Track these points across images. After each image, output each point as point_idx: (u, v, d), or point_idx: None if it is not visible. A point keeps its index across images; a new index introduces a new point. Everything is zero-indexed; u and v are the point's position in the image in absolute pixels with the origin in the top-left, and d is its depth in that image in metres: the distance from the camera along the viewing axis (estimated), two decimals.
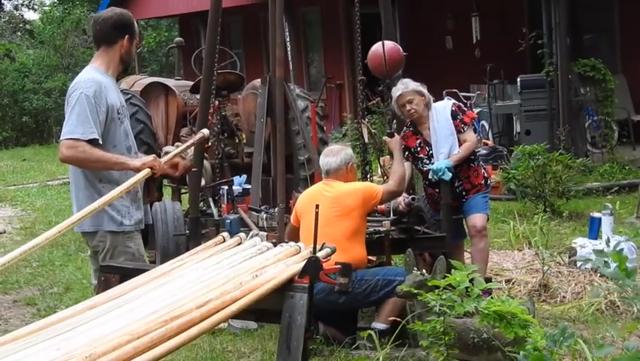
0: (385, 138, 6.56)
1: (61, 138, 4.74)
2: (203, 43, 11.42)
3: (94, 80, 4.79)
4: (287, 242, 4.73)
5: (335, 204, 5.76)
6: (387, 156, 6.98)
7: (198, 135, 5.26)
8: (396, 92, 6.66)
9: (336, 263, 4.15)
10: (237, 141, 9.83)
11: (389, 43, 6.70)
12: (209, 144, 8.48)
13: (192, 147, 5.39)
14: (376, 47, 6.70)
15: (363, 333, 5.47)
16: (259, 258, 4.25)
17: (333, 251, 4.38)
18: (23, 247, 3.97)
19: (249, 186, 8.18)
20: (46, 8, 30.81)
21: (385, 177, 7.06)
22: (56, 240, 10.27)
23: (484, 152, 11.99)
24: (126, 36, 4.89)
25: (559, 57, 12.94)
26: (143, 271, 4.21)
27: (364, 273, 5.91)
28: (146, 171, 4.69)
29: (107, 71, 4.91)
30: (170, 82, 10.59)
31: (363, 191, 5.96)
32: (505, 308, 4.02)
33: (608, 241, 6.93)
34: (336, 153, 6.06)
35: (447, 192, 6.53)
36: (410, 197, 6.51)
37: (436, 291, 4.29)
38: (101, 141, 4.72)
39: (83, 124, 4.66)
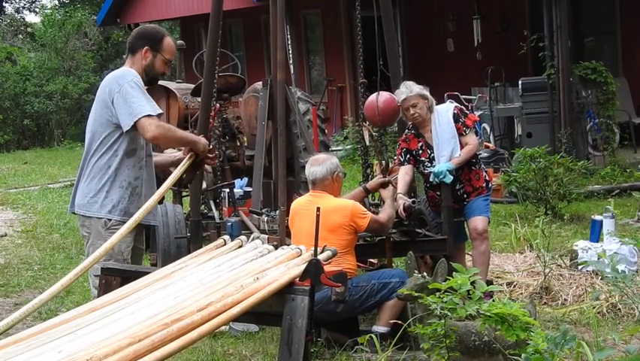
0: (380, 190, 6.48)
1: (136, 117, 4.88)
2: (205, 45, 11.43)
3: (135, 72, 5.05)
4: (288, 245, 4.74)
5: (321, 219, 5.70)
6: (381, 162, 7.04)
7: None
8: (400, 95, 6.65)
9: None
10: (238, 143, 9.84)
11: (385, 95, 6.71)
12: (211, 146, 8.49)
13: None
14: (372, 97, 6.72)
15: (362, 339, 5.46)
16: (260, 261, 4.26)
17: (335, 254, 4.39)
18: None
19: (250, 189, 8.18)
20: (48, 11, 30.74)
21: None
22: (57, 243, 10.27)
23: (486, 155, 11.98)
24: (145, 47, 5.08)
25: (560, 60, 12.93)
26: (144, 273, 4.22)
27: (359, 279, 5.90)
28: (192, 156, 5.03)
29: None
30: (171, 85, 10.60)
31: (351, 208, 5.89)
32: (506, 311, 4.01)
33: (605, 251, 6.95)
34: (321, 163, 6.00)
35: (448, 195, 6.53)
36: (411, 200, 6.50)
37: (437, 294, 4.29)
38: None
39: (149, 102, 4.93)
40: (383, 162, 6.75)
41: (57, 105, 25.55)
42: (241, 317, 3.69)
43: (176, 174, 4.95)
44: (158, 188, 5.13)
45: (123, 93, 4.90)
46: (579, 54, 14.17)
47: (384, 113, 6.64)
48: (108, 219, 5.02)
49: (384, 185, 6.39)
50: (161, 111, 4.98)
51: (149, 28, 5.23)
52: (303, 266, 3.98)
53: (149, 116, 4.84)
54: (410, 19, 16.31)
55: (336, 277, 4.11)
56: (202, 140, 5.11)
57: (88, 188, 5.07)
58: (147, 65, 5.10)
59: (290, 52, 14.68)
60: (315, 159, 6.08)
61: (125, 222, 5.01)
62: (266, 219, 6.98)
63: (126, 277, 4.26)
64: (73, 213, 5.20)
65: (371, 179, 7.19)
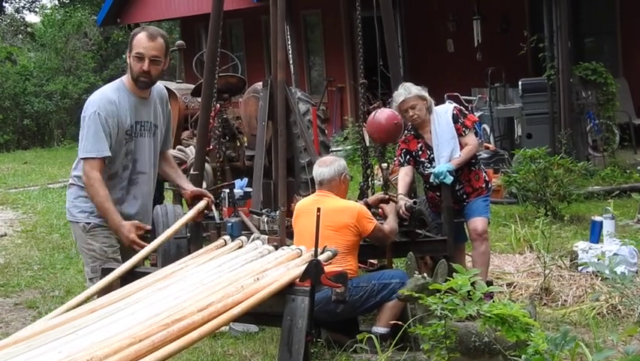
0: (383, 205, 6.47)
1: (81, 155, 4.88)
2: (205, 46, 11.44)
3: (108, 99, 4.89)
4: (288, 245, 4.74)
5: (327, 219, 5.73)
6: (384, 164, 7.05)
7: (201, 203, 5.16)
8: (398, 97, 6.64)
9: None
10: (239, 144, 9.83)
11: (387, 112, 6.70)
12: (211, 147, 8.49)
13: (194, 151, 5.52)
14: (375, 114, 6.73)
15: (360, 336, 5.47)
16: (260, 261, 4.26)
17: (335, 254, 4.38)
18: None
19: (250, 190, 8.17)
20: (48, 11, 30.76)
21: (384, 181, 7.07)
22: (57, 243, 10.25)
23: (486, 155, 11.97)
24: (127, 52, 4.95)
25: (560, 60, 12.93)
26: (145, 274, 4.21)
27: (359, 280, 5.91)
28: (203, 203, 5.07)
29: (129, 88, 4.97)
30: (171, 85, 10.59)
31: (359, 210, 5.92)
32: (506, 312, 4.01)
33: (604, 253, 6.95)
34: (329, 164, 6.06)
35: (448, 196, 6.53)
36: (412, 201, 6.50)
37: (438, 294, 4.29)
38: (110, 154, 4.87)
39: (98, 142, 4.81)
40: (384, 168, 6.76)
41: (57, 105, 25.55)
42: (241, 318, 3.69)
43: (183, 220, 4.98)
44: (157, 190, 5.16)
45: (83, 125, 4.90)
46: (579, 55, 14.17)
47: (385, 130, 6.65)
48: (87, 222, 4.97)
49: (384, 201, 6.40)
50: (101, 155, 4.80)
51: (133, 32, 5.03)
52: (304, 267, 3.98)
53: (89, 159, 4.80)
54: (410, 19, 16.31)
55: (336, 278, 4.11)
56: (119, 229, 4.79)
57: (71, 192, 5.06)
58: (129, 68, 4.94)
59: (290, 52, 14.68)
60: (323, 161, 6.15)
61: (100, 226, 4.95)
62: (266, 219, 6.98)
63: (126, 277, 4.26)
64: None
65: (372, 180, 7.21)
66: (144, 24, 25.34)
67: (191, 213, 4.99)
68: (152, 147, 5.08)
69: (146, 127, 5.02)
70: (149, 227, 4.87)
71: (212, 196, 5.18)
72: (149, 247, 4.58)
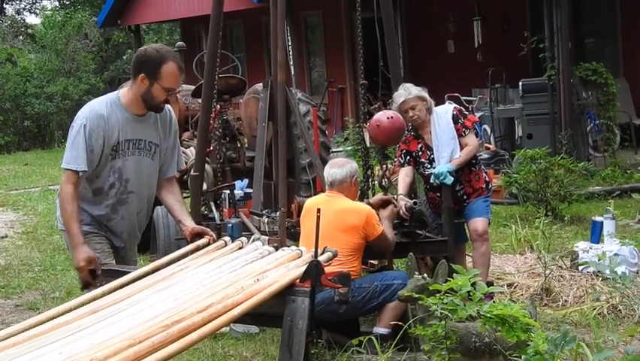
0: (380, 210, 6.43)
1: (63, 165, 4.74)
2: (205, 47, 11.43)
3: (97, 113, 4.71)
4: (288, 246, 4.74)
5: (336, 219, 5.74)
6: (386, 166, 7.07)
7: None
8: (398, 98, 6.65)
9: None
10: (239, 145, 9.83)
11: (389, 113, 6.70)
12: (212, 148, 8.49)
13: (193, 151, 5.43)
14: (378, 116, 6.72)
15: (355, 340, 5.46)
16: (260, 262, 4.27)
17: (335, 255, 4.38)
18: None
19: (251, 190, 8.17)
20: (48, 13, 30.77)
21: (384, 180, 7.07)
22: (58, 244, 10.24)
23: (486, 156, 11.97)
24: (140, 75, 4.68)
25: (561, 61, 12.93)
26: (145, 275, 4.22)
27: (361, 281, 5.92)
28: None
29: (125, 103, 4.78)
30: None
31: (368, 213, 5.91)
32: (507, 312, 4.01)
33: (605, 253, 6.96)
34: (341, 165, 6.07)
35: (448, 196, 6.53)
36: (412, 201, 6.50)
37: (438, 295, 4.29)
38: (87, 169, 4.70)
39: (77, 154, 4.64)
40: (385, 178, 6.76)
41: (57, 107, 25.54)
42: (242, 319, 3.70)
43: (179, 253, 4.80)
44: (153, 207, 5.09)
45: (69, 135, 4.73)
46: (580, 55, 14.18)
47: (388, 134, 6.65)
48: None
49: (385, 203, 6.38)
50: (77, 168, 4.62)
51: (150, 52, 4.73)
52: (304, 268, 3.98)
53: (67, 170, 4.64)
54: (410, 20, 16.31)
55: (339, 279, 4.12)
56: (76, 252, 4.60)
57: (59, 201, 4.93)
58: (143, 93, 4.68)
59: (290, 53, 14.67)
60: (335, 162, 6.18)
61: (91, 233, 4.82)
62: (266, 220, 6.97)
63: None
64: None
65: (372, 180, 7.21)
66: (145, 25, 25.42)
67: (189, 246, 4.80)
68: (146, 166, 4.91)
69: (139, 145, 4.84)
70: (99, 271, 4.55)
71: (214, 235, 4.85)
72: (149, 267, 4.48)
